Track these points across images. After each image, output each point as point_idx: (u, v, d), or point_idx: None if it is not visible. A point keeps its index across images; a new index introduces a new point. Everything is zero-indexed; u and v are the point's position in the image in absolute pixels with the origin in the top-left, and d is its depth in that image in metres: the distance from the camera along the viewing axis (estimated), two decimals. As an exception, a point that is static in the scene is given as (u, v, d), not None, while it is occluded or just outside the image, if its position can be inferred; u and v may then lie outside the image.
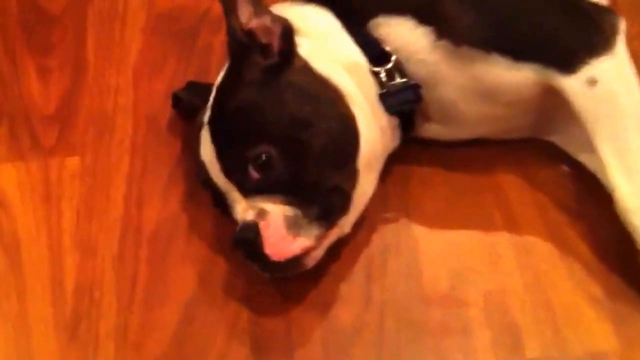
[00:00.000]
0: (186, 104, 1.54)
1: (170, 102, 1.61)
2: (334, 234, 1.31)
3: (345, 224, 1.32)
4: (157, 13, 1.79)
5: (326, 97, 1.30)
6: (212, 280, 1.41)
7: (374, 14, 1.35)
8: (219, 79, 1.36)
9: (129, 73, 1.70)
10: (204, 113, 1.35)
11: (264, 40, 1.31)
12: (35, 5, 1.83)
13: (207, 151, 1.31)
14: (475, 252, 1.38)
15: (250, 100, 1.29)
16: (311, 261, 1.29)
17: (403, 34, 1.33)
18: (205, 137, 1.32)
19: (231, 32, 1.31)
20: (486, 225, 1.41)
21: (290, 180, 1.26)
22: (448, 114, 1.39)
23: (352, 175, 1.30)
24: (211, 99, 1.35)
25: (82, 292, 1.41)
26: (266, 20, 1.31)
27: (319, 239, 1.27)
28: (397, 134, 1.40)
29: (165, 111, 1.62)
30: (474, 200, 1.44)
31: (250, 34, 1.31)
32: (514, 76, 1.30)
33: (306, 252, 1.26)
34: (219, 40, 1.69)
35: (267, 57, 1.31)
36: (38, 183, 1.55)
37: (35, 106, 1.66)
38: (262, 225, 1.25)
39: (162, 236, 1.47)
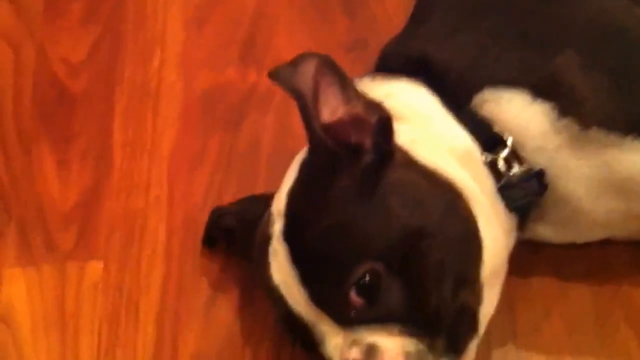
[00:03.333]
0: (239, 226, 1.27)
1: (210, 201, 1.38)
2: None
3: (473, 350, 1.05)
4: (194, 92, 1.54)
5: (441, 197, 1.04)
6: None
7: (479, 87, 1.11)
8: (290, 181, 1.09)
9: (163, 165, 1.44)
10: (267, 224, 1.08)
11: (354, 137, 1.04)
12: (55, 83, 1.58)
13: (283, 274, 1.04)
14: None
15: (345, 211, 1.02)
16: None
17: (516, 113, 1.09)
18: (279, 255, 1.04)
19: (310, 133, 1.04)
20: (618, 350, 1.16)
21: (406, 305, 0.99)
22: (567, 213, 1.14)
23: (477, 292, 1.04)
24: (280, 207, 1.07)
25: None
26: (358, 108, 1.04)
27: None
28: (515, 236, 1.14)
29: (206, 210, 1.35)
30: (599, 321, 1.19)
31: (335, 134, 1.04)
32: None
33: None
34: (270, 123, 1.47)
35: (360, 156, 1.03)
36: (52, 295, 1.30)
37: (51, 203, 1.41)
38: None
39: (205, 370, 1.20)
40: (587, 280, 1.21)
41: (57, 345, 1.25)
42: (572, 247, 1.21)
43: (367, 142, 1.03)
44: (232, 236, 1.27)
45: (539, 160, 1.10)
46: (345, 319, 1.00)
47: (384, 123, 1.04)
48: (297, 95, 1.02)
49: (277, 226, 1.05)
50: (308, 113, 1.02)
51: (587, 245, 1.21)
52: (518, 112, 1.09)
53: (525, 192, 1.10)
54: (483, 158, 1.10)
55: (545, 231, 1.18)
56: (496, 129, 1.10)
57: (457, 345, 1.01)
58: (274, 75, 1.07)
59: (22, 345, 1.25)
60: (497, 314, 1.14)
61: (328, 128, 1.03)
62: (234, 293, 1.28)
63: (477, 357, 1.08)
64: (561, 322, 1.18)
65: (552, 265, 1.22)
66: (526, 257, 1.20)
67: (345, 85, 1.03)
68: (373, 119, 1.03)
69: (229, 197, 1.37)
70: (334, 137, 1.03)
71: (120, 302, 1.29)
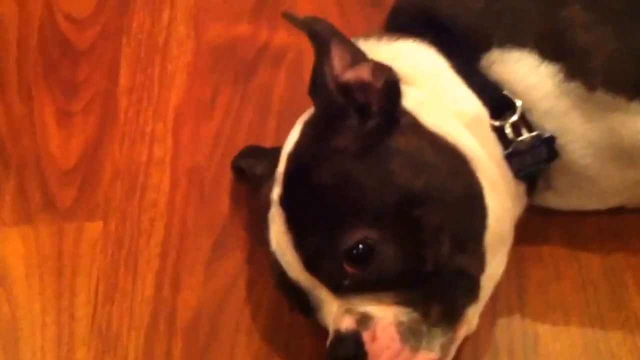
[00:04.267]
0: (250, 174, 1.24)
1: (216, 155, 1.33)
2: (461, 334, 0.99)
3: (473, 317, 1.00)
4: (205, 46, 1.49)
5: (445, 163, 0.99)
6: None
7: (486, 46, 1.04)
8: (291, 143, 1.04)
9: (169, 118, 1.39)
10: (269, 188, 1.04)
11: (360, 98, 0.99)
12: (60, 36, 1.53)
13: (279, 239, 1.00)
14: (615, 353, 1.06)
15: (342, 174, 0.97)
16: None
17: (524, 74, 1.03)
18: (276, 220, 1.00)
19: (320, 85, 1.00)
20: (627, 314, 1.09)
21: (400, 273, 0.94)
22: (575, 180, 1.08)
23: (478, 257, 0.99)
24: (281, 170, 1.03)
25: (96, 403, 1.11)
26: (364, 72, 0.99)
27: (447, 347, 0.95)
28: (523, 202, 1.09)
29: (211, 165, 1.33)
30: (609, 285, 1.12)
31: (345, 89, 0.99)
32: None
33: None
34: (281, 79, 1.42)
35: (365, 119, 0.99)
36: (49, 253, 1.25)
37: (52, 158, 1.36)
38: (366, 336, 0.93)
39: (202, 326, 1.16)
40: (598, 246, 1.15)
41: (53, 303, 1.20)
42: (584, 213, 1.15)
43: (374, 106, 0.99)
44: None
45: (547, 126, 1.04)
46: (339, 287, 0.96)
47: (390, 87, 0.99)
48: (317, 37, 0.98)
49: (276, 191, 1.02)
50: (325, 59, 0.98)
51: (599, 212, 1.15)
52: (526, 73, 1.03)
53: (533, 159, 1.05)
54: (491, 123, 1.04)
55: (553, 198, 1.12)
56: (505, 91, 1.04)
57: (452, 312, 0.96)
58: (290, 17, 1.02)
59: (17, 304, 1.21)
60: (505, 280, 1.09)
61: (337, 85, 0.99)
62: (236, 250, 1.23)
63: (482, 323, 1.04)
64: (570, 288, 1.12)
65: (563, 231, 1.17)
66: (537, 223, 1.15)
67: (353, 47, 1.00)
68: (379, 83, 0.98)
69: (237, 151, 1.32)
70: (342, 94, 0.99)
71: (119, 257, 1.24)
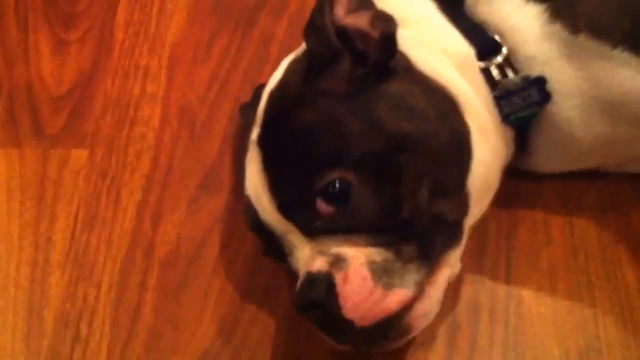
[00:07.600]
0: (242, 117, 1.22)
1: (210, 97, 1.31)
2: (442, 275, 0.95)
3: (456, 259, 0.98)
4: (208, -11, 1.45)
5: (434, 108, 0.96)
6: (240, 328, 1.09)
7: None
8: (274, 81, 1.01)
9: (165, 55, 1.37)
10: (251, 128, 1.02)
11: (358, 44, 0.97)
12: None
13: (255, 181, 0.97)
14: (600, 322, 1.04)
15: (326, 115, 0.94)
16: (419, 320, 0.93)
17: (507, 14, 1.01)
18: (253, 162, 0.98)
19: (318, 26, 0.97)
20: (616, 284, 1.06)
21: (375, 215, 0.92)
22: (558, 136, 1.04)
23: (460, 203, 0.97)
24: (261, 108, 1.00)
25: (66, 327, 1.10)
26: (363, 20, 0.96)
27: (422, 284, 0.92)
28: (510, 151, 1.06)
29: (204, 106, 1.30)
30: (602, 255, 1.09)
31: (343, 34, 0.97)
32: None
33: (407, 308, 0.91)
34: (281, 29, 1.39)
35: (358, 65, 0.96)
36: (32, 177, 1.24)
37: (44, 84, 1.35)
38: (338, 278, 0.90)
39: (180, 262, 1.14)
40: (596, 216, 1.12)
41: (31, 226, 1.19)
42: (581, 179, 1.13)
43: (370, 55, 0.96)
44: None
45: (532, 72, 1.01)
46: (312, 229, 0.93)
47: (387, 39, 0.96)
48: None
49: (255, 131, 0.99)
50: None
51: (600, 182, 1.13)
52: (510, 13, 1.01)
53: (525, 101, 1.01)
54: (478, 65, 1.02)
55: (533, 159, 1.09)
56: (490, 33, 1.02)
57: (429, 253, 0.93)
58: None
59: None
60: (495, 241, 1.09)
61: (335, 28, 0.97)
62: (221, 192, 1.20)
63: (465, 280, 1.04)
64: (561, 255, 1.09)
65: (559, 195, 1.14)
66: (533, 189, 1.13)
67: None
68: (377, 33, 0.96)
69: (232, 94, 1.30)
70: (340, 38, 0.97)
71: (102, 187, 1.22)
